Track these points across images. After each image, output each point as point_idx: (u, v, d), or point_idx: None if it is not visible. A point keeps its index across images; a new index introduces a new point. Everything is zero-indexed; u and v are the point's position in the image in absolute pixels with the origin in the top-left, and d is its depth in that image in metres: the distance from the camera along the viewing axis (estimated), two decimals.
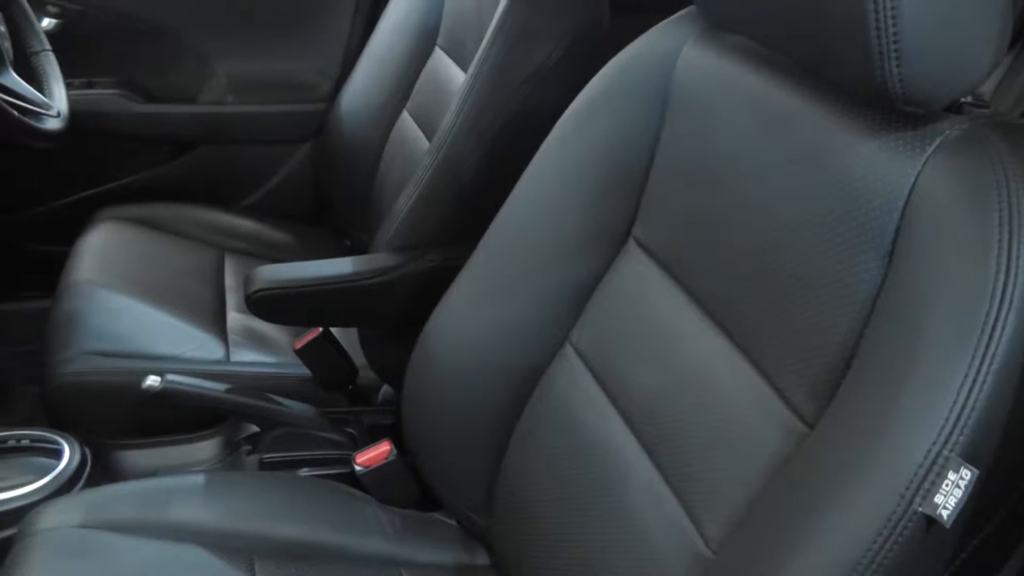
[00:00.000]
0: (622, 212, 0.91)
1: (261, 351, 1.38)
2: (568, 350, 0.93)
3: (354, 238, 1.69)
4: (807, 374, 0.68)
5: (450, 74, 1.44)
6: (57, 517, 0.93)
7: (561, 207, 0.95)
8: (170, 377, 1.11)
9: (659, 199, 0.89)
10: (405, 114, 1.55)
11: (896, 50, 0.59)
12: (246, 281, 1.25)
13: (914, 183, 0.63)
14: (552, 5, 1.18)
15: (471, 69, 1.22)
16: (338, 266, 1.28)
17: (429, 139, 1.38)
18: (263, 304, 1.23)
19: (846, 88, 0.69)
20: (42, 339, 1.34)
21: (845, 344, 0.65)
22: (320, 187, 1.82)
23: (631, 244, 0.91)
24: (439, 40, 1.53)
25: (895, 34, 0.59)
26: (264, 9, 1.76)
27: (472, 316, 1.00)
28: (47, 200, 1.78)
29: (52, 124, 1.34)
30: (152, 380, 1.10)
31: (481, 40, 1.22)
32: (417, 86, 1.55)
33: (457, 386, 1.00)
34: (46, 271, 1.55)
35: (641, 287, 0.88)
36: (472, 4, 1.38)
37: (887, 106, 0.65)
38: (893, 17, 0.58)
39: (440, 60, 1.50)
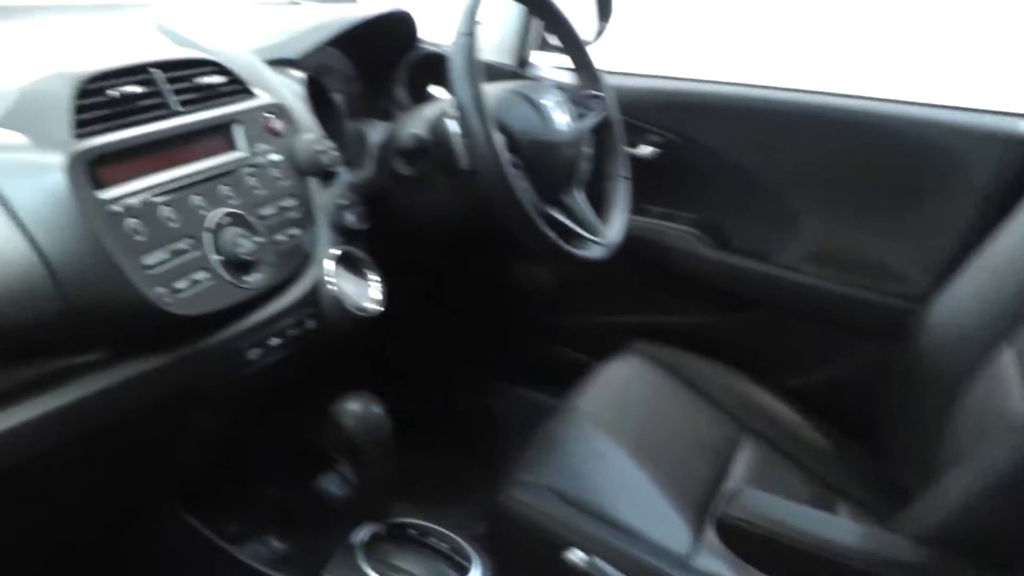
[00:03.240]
0: None
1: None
2: None
3: (896, 470, 1.33)
4: None
5: None
6: None
7: None
8: (599, 564, 0.92)
9: None
10: (1004, 348, 1.15)
11: None
12: (730, 496, 1.01)
13: None
14: None
15: None
16: (843, 532, 0.96)
17: None
18: (732, 533, 0.98)
19: None
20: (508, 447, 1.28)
21: None
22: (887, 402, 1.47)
23: None
24: None
25: None
26: (879, 180, 1.52)
27: None
28: (574, 313, 1.78)
29: (593, 252, 1.27)
30: (578, 556, 0.93)
31: None
32: None
33: None
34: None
35: None
36: None
37: None
38: None
39: None
